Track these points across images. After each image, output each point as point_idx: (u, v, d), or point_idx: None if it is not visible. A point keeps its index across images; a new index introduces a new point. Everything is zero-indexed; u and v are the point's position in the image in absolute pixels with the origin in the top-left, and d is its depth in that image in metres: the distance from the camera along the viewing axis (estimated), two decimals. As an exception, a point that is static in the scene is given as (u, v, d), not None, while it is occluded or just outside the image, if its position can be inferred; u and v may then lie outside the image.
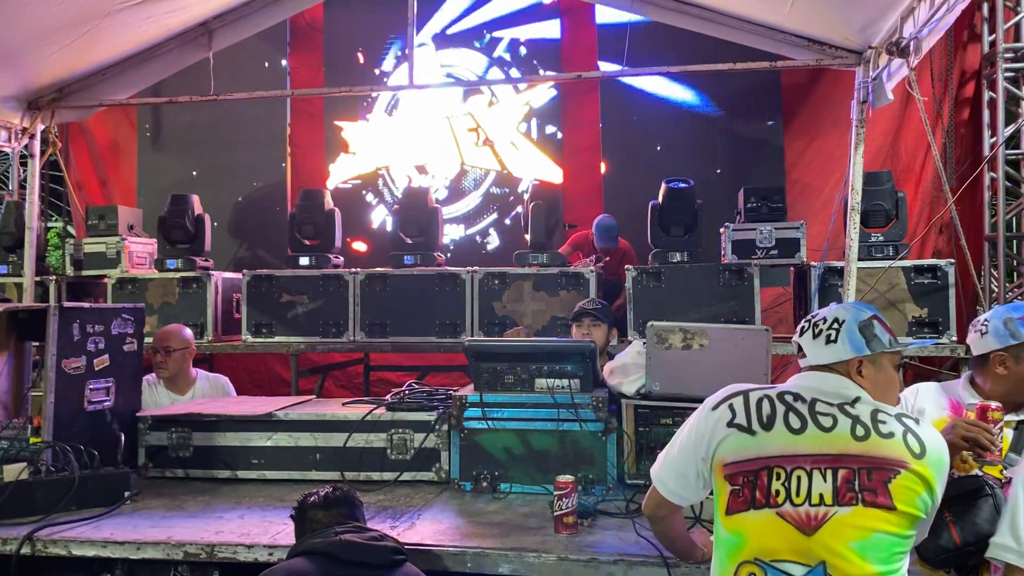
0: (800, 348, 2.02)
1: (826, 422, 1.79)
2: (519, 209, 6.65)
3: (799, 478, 1.74)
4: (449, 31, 7.09)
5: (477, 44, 6.79)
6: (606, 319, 3.95)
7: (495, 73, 6.92)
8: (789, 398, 1.87)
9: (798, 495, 1.73)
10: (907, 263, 4.85)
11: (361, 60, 7.54)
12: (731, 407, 1.89)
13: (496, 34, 6.99)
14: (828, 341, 1.95)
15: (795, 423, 1.80)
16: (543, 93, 7.05)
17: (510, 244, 6.82)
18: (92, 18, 4.56)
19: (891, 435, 1.77)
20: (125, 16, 4.64)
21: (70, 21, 4.50)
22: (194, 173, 7.49)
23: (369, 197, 7.43)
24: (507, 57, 6.97)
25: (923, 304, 4.81)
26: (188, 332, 4.37)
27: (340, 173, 7.29)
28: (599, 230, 6.15)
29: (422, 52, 6.87)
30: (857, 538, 1.70)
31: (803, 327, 2.05)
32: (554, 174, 6.95)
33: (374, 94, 7.42)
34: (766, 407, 1.85)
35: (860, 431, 1.76)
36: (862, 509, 1.70)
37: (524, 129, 7.21)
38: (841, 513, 1.71)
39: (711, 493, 1.93)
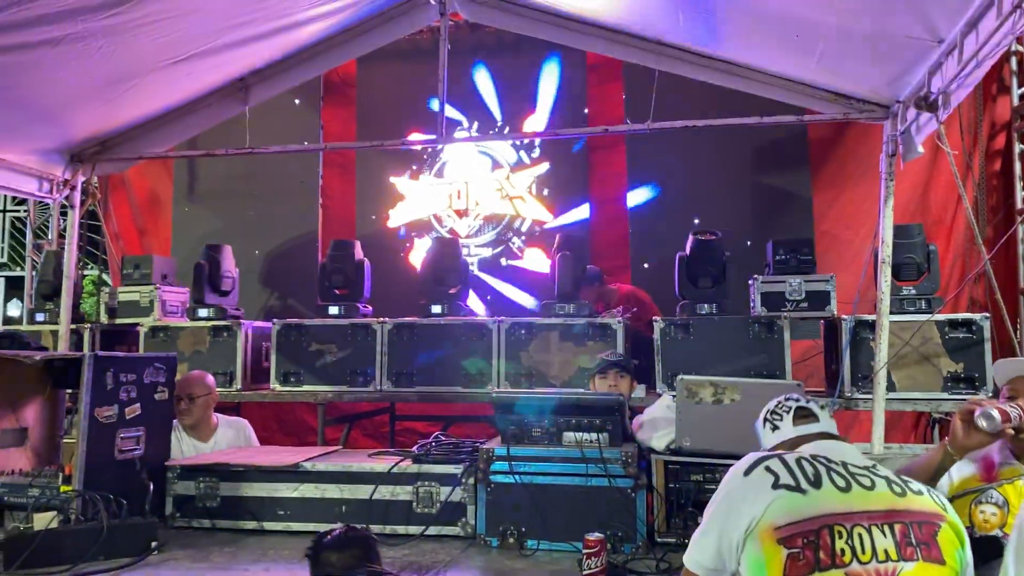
0: (800, 413, 2.04)
1: (865, 482, 1.77)
2: (520, 247, 6.72)
3: (860, 535, 1.68)
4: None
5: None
6: (630, 370, 3.92)
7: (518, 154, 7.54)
8: (823, 459, 1.84)
9: (863, 552, 1.67)
10: (941, 317, 4.77)
11: (393, 115, 7.70)
12: (769, 469, 1.83)
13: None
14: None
15: (840, 482, 1.76)
16: (543, 169, 7.49)
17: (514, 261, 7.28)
18: (136, 74, 4.72)
19: (920, 492, 1.78)
20: (167, 72, 4.79)
21: (115, 77, 4.66)
22: (227, 220, 7.63)
23: (421, 240, 7.66)
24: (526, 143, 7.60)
25: (958, 359, 4.71)
26: (211, 379, 4.39)
27: (398, 218, 7.67)
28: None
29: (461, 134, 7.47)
30: None
31: (800, 404, 2.11)
32: (546, 216, 7.39)
33: (425, 156, 7.64)
34: (808, 467, 1.81)
35: (897, 488, 1.76)
36: (922, 565, 1.67)
37: (533, 190, 7.49)
38: (906, 569, 1.67)
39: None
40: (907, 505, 1.73)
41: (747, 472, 1.85)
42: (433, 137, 5.87)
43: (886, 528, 1.69)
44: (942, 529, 1.71)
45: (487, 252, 7.45)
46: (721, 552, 1.84)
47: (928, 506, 1.75)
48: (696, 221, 6.74)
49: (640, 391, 4.91)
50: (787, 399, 2.13)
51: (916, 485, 1.79)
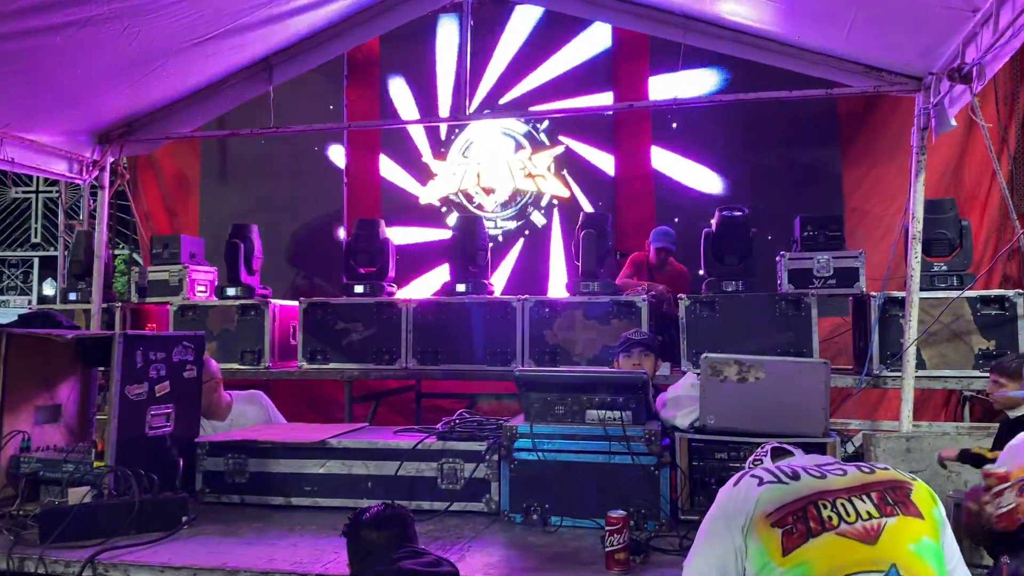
0: (778, 452, 2.25)
1: (838, 472, 1.98)
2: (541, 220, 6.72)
3: (843, 504, 1.87)
4: (502, 100, 7.50)
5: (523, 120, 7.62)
6: (654, 349, 3.90)
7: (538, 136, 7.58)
8: (798, 465, 2.03)
9: (849, 516, 1.86)
10: (973, 294, 4.69)
11: (416, 94, 7.68)
12: (753, 476, 2.00)
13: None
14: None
15: (815, 473, 1.97)
16: (560, 150, 7.51)
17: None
18: (161, 56, 4.74)
19: (886, 468, 1.99)
20: (191, 54, 4.82)
21: (140, 59, 4.69)
22: (252, 200, 7.70)
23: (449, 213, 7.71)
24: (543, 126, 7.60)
25: (990, 336, 4.63)
26: (214, 365, 4.38)
27: (430, 195, 7.71)
28: (657, 232, 6.05)
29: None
30: (911, 541, 1.82)
31: (775, 445, 2.29)
32: (564, 192, 7.42)
33: (452, 136, 7.62)
34: (786, 468, 1.99)
35: (865, 469, 1.97)
36: (903, 518, 1.84)
37: (552, 169, 7.46)
38: (890, 523, 1.84)
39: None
40: (877, 478, 1.94)
41: (735, 483, 2.02)
42: (455, 118, 5.86)
43: (864, 496, 1.88)
44: (914, 490, 1.89)
45: (512, 225, 7.47)
46: (724, 561, 1.94)
47: (896, 476, 1.95)
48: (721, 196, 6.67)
49: (665, 369, 4.90)
50: (763, 445, 2.32)
51: (882, 464, 2.01)
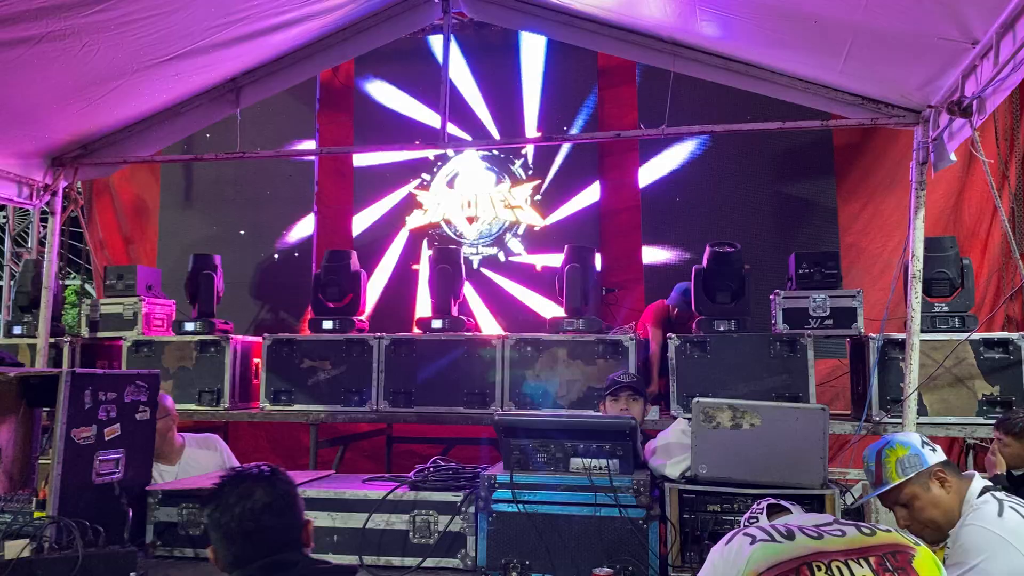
0: (774, 509, 2.29)
1: (836, 532, 1.98)
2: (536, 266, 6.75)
3: (838, 568, 1.87)
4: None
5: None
6: (643, 392, 3.89)
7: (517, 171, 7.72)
8: (794, 524, 2.04)
9: None
10: (976, 336, 4.73)
11: (394, 118, 7.71)
12: (747, 534, 2.01)
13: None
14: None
15: (812, 534, 1.96)
16: (536, 183, 7.60)
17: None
18: (120, 75, 4.73)
19: (888, 530, 1.99)
20: (153, 73, 4.81)
21: (98, 77, 4.67)
22: (215, 228, 7.66)
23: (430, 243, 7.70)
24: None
25: (994, 381, 4.67)
26: (169, 401, 4.32)
27: (415, 221, 7.74)
28: (676, 290, 5.93)
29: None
30: None
31: (772, 502, 2.35)
32: (538, 221, 7.52)
33: (434, 168, 7.67)
34: (781, 528, 2.00)
35: (866, 530, 1.97)
36: None
37: (531, 200, 7.53)
38: None
39: None
40: (878, 541, 1.92)
41: (727, 542, 2.04)
42: (435, 145, 5.88)
43: (862, 560, 1.87)
44: (917, 557, 1.88)
45: (491, 251, 7.52)
46: None
47: (899, 539, 1.94)
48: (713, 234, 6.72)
49: (654, 413, 4.88)
50: (759, 502, 2.34)
51: (884, 526, 2.00)
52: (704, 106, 6.03)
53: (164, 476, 4.06)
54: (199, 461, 4.19)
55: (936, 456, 2.62)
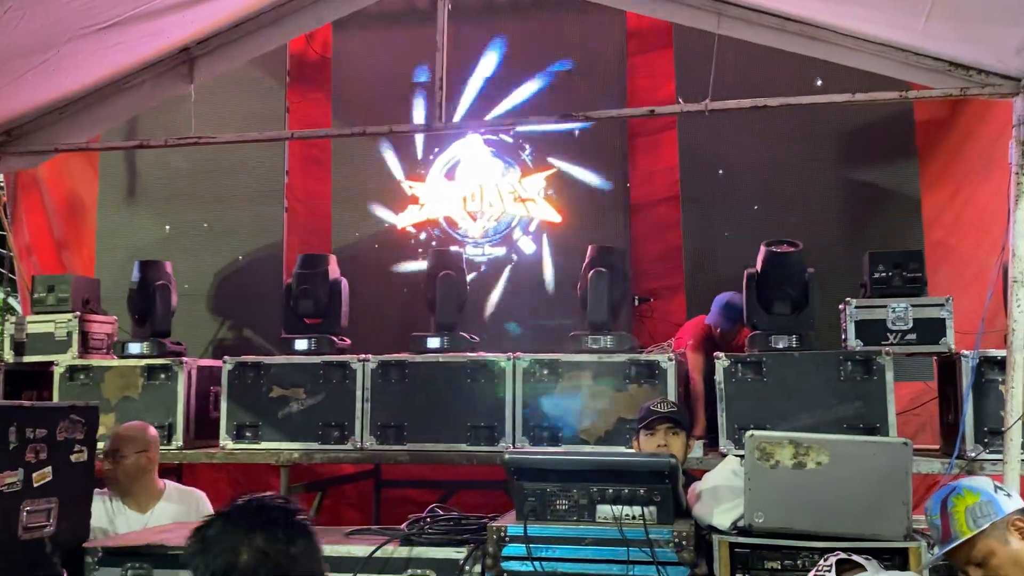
0: (844, 567, 2.35)
1: None
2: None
3: None
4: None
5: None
6: (685, 425, 3.88)
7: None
8: None
9: None
10: (1093, 352, 4.69)
11: (381, 95, 7.74)
12: None
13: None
14: None
15: None
16: (551, 171, 7.65)
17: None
18: (49, 46, 4.76)
19: None
20: (89, 43, 4.83)
21: (23, 49, 4.70)
22: (167, 227, 7.70)
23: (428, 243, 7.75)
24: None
25: (1116, 407, 4.62)
26: (152, 432, 4.39)
27: (408, 218, 7.80)
28: (729, 309, 5.82)
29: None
30: None
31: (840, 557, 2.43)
32: (555, 217, 7.53)
33: (431, 155, 7.70)
34: None
35: None
36: None
37: (545, 191, 7.59)
38: None
39: None
40: None
41: None
42: (430, 128, 5.91)
43: None
44: None
45: (499, 251, 7.53)
46: None
47: None
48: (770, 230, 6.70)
49: (698, 450, 4.86)
50: (827, 558, 2.37)
51: None
52: (756, 76, 6.03)
53: (131, 524, 4.09)
54: (173, 517, 4.21)
55: (1013, 503, 2.62)
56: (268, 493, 1.97)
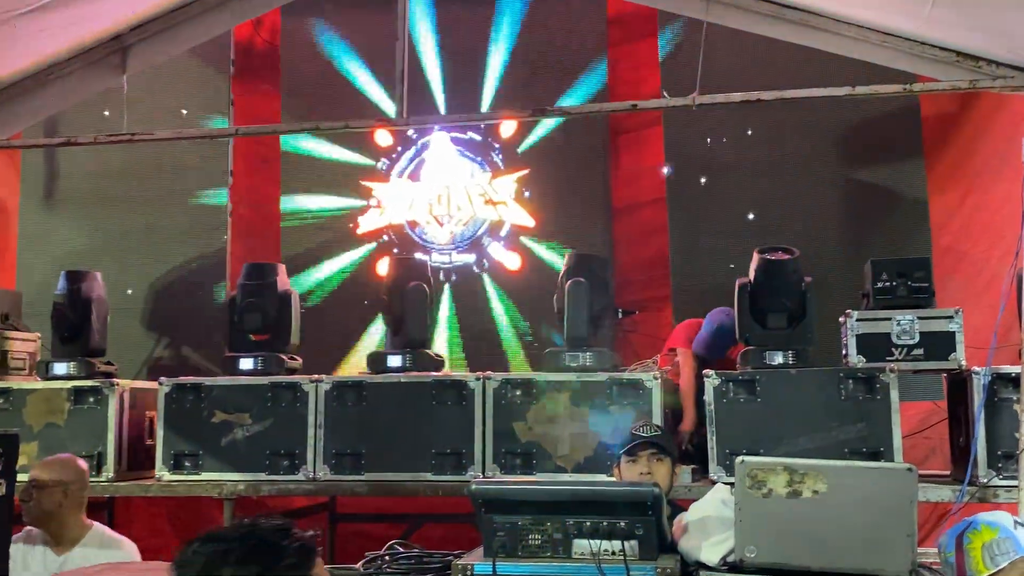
0: None
1: None
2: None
3: None
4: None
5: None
6: (671, 450, 3.88)
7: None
8: None
9: None
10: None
11: (337, 87, 7.73)
12: None
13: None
14: None
15: None
16: (524, 172, 7.72)
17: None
18: (-35, 32, 4.73)
19: None
20: (10, 29, 4.81)
21: (-65, 37, 4.68)
22: (95, 236, 7.64)
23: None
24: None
25: None
26: (80, 464, 4.33)
27: (369, 223, 7.82)
28: (719, 336, 5.81)
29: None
30: None
31: None
32: (529, 222, 7.60)
33: (392, 155, 7.71)
34: None
35: None
36: None
37: (519, 193, 7.67)
38: None
39: None
40: None
41: None
42: (392, 123, 5.91)
43: None
44: None
45: (467, 258, 7.55)
46: None
47: None
48: (763, 236, 6.75)
49: (685, 477, 4.87)
50: None
51: None
52: (748, 68, 6.08)
53: (48, 567, 4.03)
54: (89, 561, 4.16)
55: None
56: (264, 516, 1.96)
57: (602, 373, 5.18)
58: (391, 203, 7.73)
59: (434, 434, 5.23)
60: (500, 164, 7.63)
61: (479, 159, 7.69)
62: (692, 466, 5.16)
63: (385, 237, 7.70)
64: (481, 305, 7.51)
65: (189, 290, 7.54)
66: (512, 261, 7.56)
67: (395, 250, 7.56)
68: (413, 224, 7.70)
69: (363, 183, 7.74)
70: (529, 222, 7.47)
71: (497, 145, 7.65)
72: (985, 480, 4.78)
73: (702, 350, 5.84)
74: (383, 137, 7.76)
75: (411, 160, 7.77)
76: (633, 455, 3.85)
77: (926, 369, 5.12)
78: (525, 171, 7.52)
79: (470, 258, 7.58)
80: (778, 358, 5.06)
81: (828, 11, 4.82)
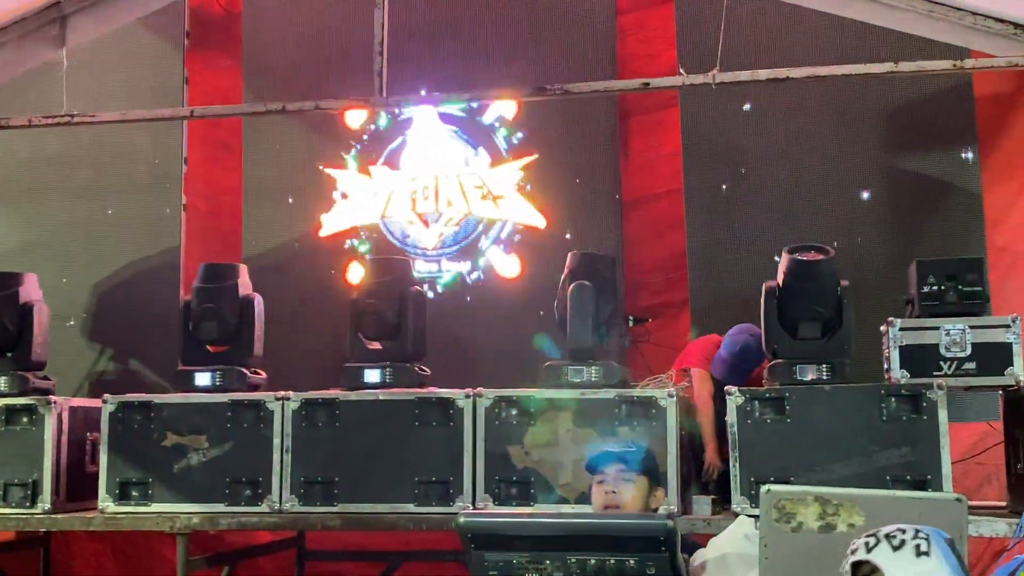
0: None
1: None
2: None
3: None
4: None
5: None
6: (650, 469, 3.81)
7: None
8: None
9: None
10: None
11: (304, 60, 7.74)
12: None
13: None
14: (919, 553, 2.32)
15: None
16: (532, 158, 7.65)
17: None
18: None
19: None
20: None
21: None
22: (29, 232, 7.64)
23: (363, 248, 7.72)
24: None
25: None
26: None
27: (339, 220, 7.75)
28: (746, 352, 5.80)
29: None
30: None
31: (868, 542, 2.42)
32: (538, 221, 7.50)
33: (364, 137, 7.66)
34: None
35: None
36: None
37: (522, 184, 7.64)
38: None
39: None
40: None
41: None
42: (366, 103, 5.91)
43: None
44: None
45: (460, 266, 7.49)
46: None
47: None
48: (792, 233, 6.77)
49: (704, 508, 4.88)
50: None
51: None
52: (776, 42, 6.09)
53: None
54: None
55: None
56: None
57: (609, 390, 5.21)
58: (365, 197, 7.63)
59: (417, 460, 5.25)
60: (502, 148, 7.52)
61: (475, 142, 7.59)
62: (712, 496, 5.17)
63: (356, 238, 7.64)
64: (474, 321, 7.47)
65: (137, 295, 7.53)
66: (511, 267, 7.49)
67: (372, 251, 7.46)
68: (392, 222, 7.59)
69: (331, 172, 7.67)
70: (536, 220, 7.35)
71: (500, 127, 7.58)
72: (1045, 512, 4.80)
73: (722, 373, 5.79)
74: (354, 116, 7.68)
75: (391, 144, 7.71)
76: (598, 472, 3.74)
77: (979, 386, 5.13)
78: (532, 157, 7.39)
79: (463, 266, 7.50)
80: (810, 373, 5.08)
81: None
